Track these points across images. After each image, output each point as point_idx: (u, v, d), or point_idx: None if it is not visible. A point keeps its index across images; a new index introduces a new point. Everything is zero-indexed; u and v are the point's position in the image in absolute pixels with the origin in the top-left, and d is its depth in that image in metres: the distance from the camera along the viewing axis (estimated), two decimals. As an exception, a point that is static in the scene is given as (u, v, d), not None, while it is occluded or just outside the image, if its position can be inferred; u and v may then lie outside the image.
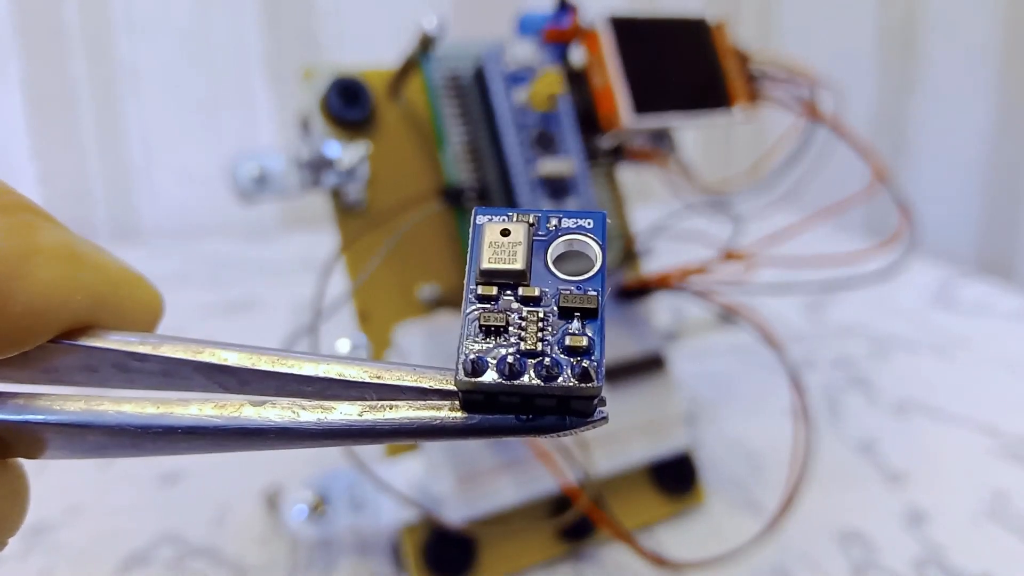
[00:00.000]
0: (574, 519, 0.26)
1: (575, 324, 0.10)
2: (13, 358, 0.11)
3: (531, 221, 0.11)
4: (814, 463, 0.29)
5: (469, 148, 0.26)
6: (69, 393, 0.11)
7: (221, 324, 0.46)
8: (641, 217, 0.30)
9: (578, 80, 0.26)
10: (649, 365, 0.27)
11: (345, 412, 0.11)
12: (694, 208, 0.29)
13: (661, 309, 0.31)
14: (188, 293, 0.51)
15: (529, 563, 0.25)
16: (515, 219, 0.11)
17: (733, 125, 0.73)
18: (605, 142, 0.27)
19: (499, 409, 0.11)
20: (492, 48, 0.25)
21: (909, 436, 0.34)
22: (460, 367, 0.10)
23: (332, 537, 0.27)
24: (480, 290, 0.11)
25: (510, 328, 0.10)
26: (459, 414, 0.11)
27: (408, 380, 0.11)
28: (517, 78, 0.25)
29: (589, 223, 0.11)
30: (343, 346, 0.23)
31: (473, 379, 0.10)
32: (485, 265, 0.11)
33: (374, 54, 0.36)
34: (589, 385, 0.10)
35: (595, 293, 0.11)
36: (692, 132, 0.73)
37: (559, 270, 0.11)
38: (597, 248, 0.11)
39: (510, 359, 0.10)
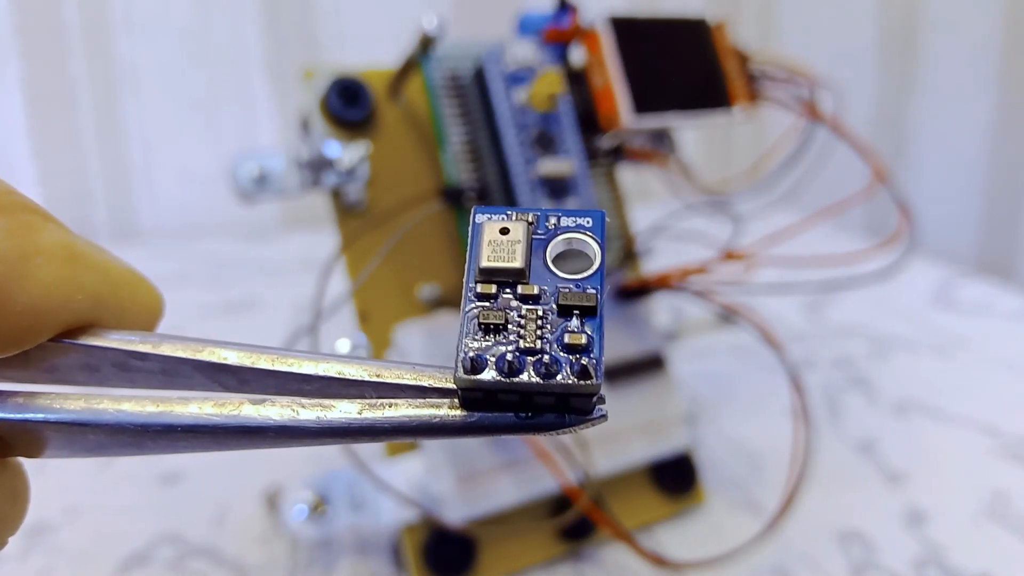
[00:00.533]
0: (574, 519, 0.26)
1: (574, 322, 0.10)
2: (13, 357, 0.11)
3: (530, 220, 0.11)
4: (814, 463, 0.29)
5: (469, 148, 0.26)
6: (69, 392, 0.11)
7: (221, 324, 0.46)
8: (641, 217, 0.30)
9: (578, 80, 0.26)
10: (649, 365, 0.27)
11: (345, 410, 0.11)
12: (694, 208, 0.29)
13: (661, 309, 0.30)
14: (188, 293, 0.51)
15: (529, 563, 0.25)
16: (514, 217, 0.11)
17: (733, 125, 0.73)
18: (605, 142, 0.27)
19: (498, 407, 0.11)
20: (492, 48, 0.25)
21: (909, 436, 0.34)
22: (459, 365, 0.10)
23: (332, 537, 0.27)
24: (479, 288, 0.11)
25: (509, 326, 0.10)
26: (458, 412, 0.11)
27: (407, 378, 0.11)
28: (517, 78, 0.25)
29: (588, 222, 0.11)
30: (343, 346, 0.23)
31: (472, 377, 0.10)
32: (484, 263, 0.11)
33: (374, 54, 0.36)
34: (588, 383, 0.10)
35: (594, 291, 0.11)
36: (692, 132, 0.73)
37: (558, 268, 0.11)
38: (596, 246, 0.11)
39: (509, 357, 0.10)
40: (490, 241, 0.11)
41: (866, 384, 0.38)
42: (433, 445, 0.24)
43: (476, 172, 0.26)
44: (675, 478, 0.28)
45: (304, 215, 0.66)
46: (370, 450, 0.24)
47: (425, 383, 0.11)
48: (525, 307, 0.11)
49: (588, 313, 0.10)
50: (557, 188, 0.25)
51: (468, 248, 0.11)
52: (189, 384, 0.12)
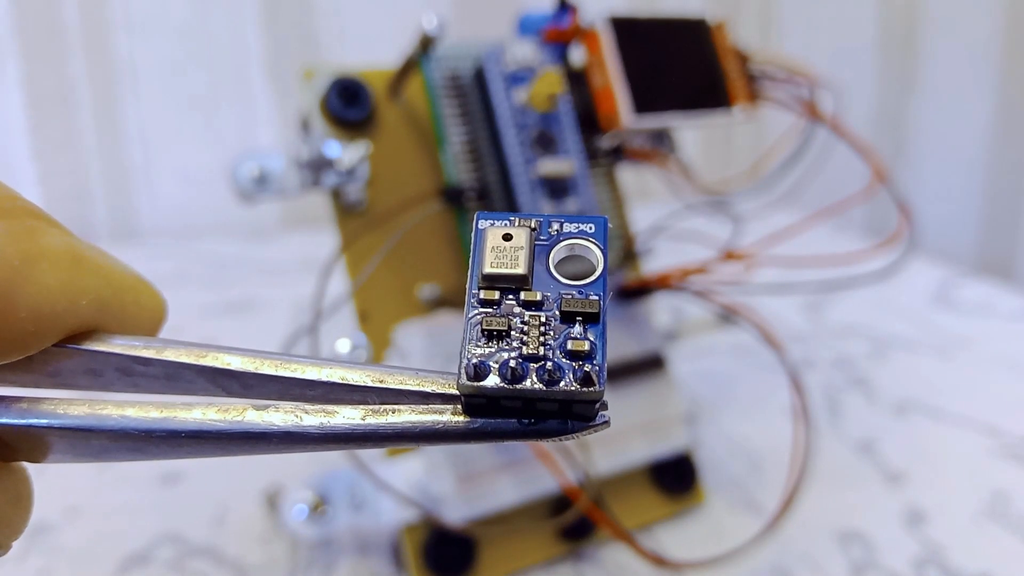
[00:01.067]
0: (574, 519, 0.26)
1: (577, 328, 0.10)
2: (17, 362, 0.11)
3: (533, 226, 0.11)
4: (814, 463, 0.29)
5: (469, 148, 0.26)
6: (73, 397, 0.11)
7: (221, 324, 0.46)
8: (641, 217, 0.30)
9: (578, 80, 0.26)
10: (649, 365, 0.28)
11: (348, 416, 0.11)
12: (694, 208, 0.29)
13: (661, 309, 0.30)
14: (188, 293, 0.51)
15: (529, 563, 0.26)
16: (517, 224, 0.11)
17: (733, 125, 0.73)
18: (605, 142, 0.27)
19: (501, 413, 0.11)
20: (492, 48, 0.25)
21: (909, 436, 0.34)
22: (462, 371, 0.10)
23: (332, 537, 0.27)
24: (482, 294, 0.11)
25: (512, 332, 0.10)
26: (461, 418, 0.11)
27: (410, 384, 0.11)
28: (517, 78, 0.25)
29: (591, 228, 0.11)
30: (343, 346, 0.23)
31: (475, 383, 0.10)
32: (487, 270, 0.11)
33: (374, 54, 0.36)
34: (591, 389, 0.10)
35: (597, 297, 0.11)
36: (692, 132, 0.73)
37: (561, 274, 0.11)
38: (599, 253, 0.11)
39: (512, 363, 0.10)
40: (493, 247, 0.11)
41: (866, 384, 0.39)
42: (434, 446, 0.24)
43: (476, 172, 0.26)
44: (675, 478, 0.28)
45: (304, 215, 0.66)
46: (370, 451, 0.24)
47: (428, 389, 0.11)
48: (528, 313, 0.11)
49: (591, 320, 0.10)
50: (557, 188, 0.25)
51: (471, 254, 0.11)
52: (192, 389, 0.12)
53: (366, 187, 0.25)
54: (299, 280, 0.46)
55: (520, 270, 0.11)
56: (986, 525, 0.28)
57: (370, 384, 0.11)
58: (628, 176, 0.31)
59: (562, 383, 0.10)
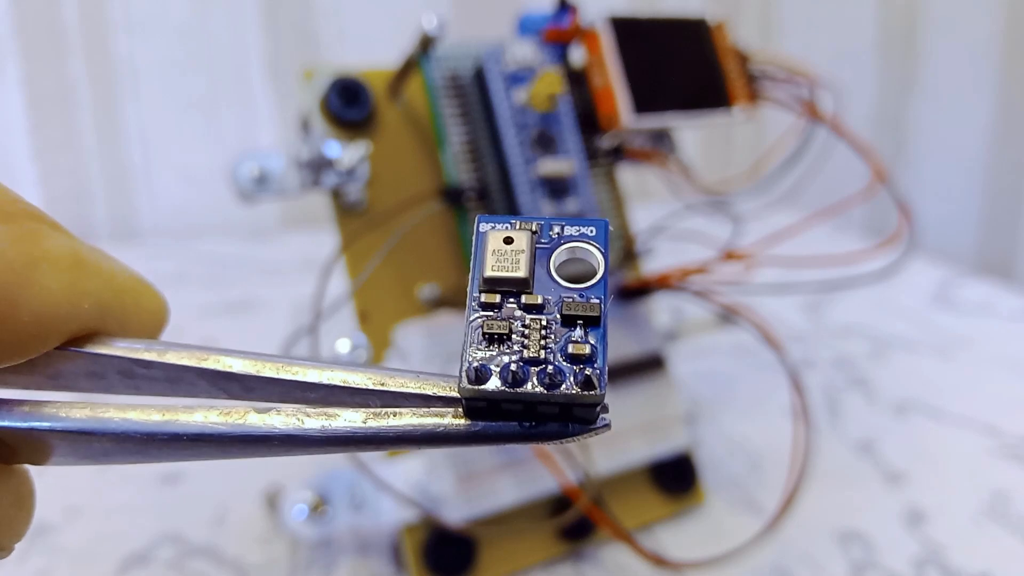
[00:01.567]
0: (574, 519, 0.26)
1: (578, 332, 0.10)
2: (19, 365, 0.11)
3: (534, 229, 0.11)
4: (814, 463, 0.30)
5: (469, 148, 0.26)
6: (75, 400, 0.11)
7: (221, 324, 0.46)
8: (641, 217, 0.30)
9: (578, 80, 0.26)
10: (649, 365, 0.28)
11: (349, 419, 0.11)
12: (694, 208, 0.29)
13: (661, 309, 0.31)
14: (187, 293, 0.51)
15: (529, 563, 0.26)
16: (518, 227, 0.11)
17: (733, 125, 0.73)
18: (605, 142, 0.27)
19: (502, 416, 0.11)
20: (492, 48, 0.25)
21: (909, 436, 0.34)
22: (464, 375, 0.10)
23: (332, 537, 0.27)
24: (483, 298, 0.11)
25: (513, 336, 0.10)
26: (462, 421, 0.11)
27: (411, 387, 0.11)
28: (517, 78, 0.25)
29: (592, 231, 0.11)
30: (343, 346, 0.23)
31: (477, 387, 0.10)
32: (488, 273, 0.11)
33: (374, 54, 0.36)
34: (592, 393, 0.10)
35: (598, 301, 0.11)
36: (692, 132, 0.73)
37: (562, 277, 0.11)
38: (600, 256, 0.11)
39: (513, 367, 0.10)
40: (494, 251, 0.11)
41: (866, 384, 0.39)
42: (434, 446, 0.24)
43: (476, 172, 0.26)
44: (675, 478, 0.28)
45: (304, 215, 0.66)
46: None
47: (429, 392, 0.11)
48: (529, 317, 0.11)
49: (592, 323, 0.10)
50: (557, 188, 0.25)
51: (472, 257, 0.11)
52: (194, 392, 0.12)
53: (366, 187, 0.25)
54: (299, 280, 0.46)
55: (521, 273, 0.11)
56: (986, 525, 0.28)
57: (371, 387, 0.11)
58: (628, 176, 0.31)
59: (563, 387, 0.10)
